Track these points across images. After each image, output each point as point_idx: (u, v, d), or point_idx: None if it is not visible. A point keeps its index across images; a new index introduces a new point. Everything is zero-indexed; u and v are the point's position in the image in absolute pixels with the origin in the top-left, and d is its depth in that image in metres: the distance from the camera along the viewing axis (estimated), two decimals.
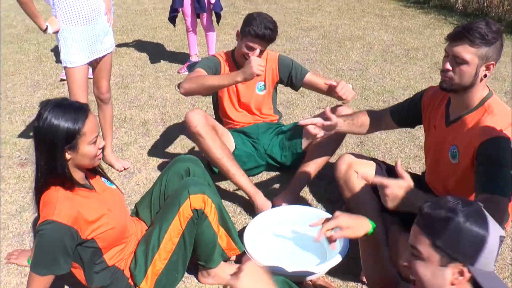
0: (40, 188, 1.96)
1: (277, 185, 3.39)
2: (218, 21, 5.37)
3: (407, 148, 3.77)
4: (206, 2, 5.11)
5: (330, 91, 3.12)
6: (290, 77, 3.31)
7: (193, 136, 2.98)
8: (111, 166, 3.59)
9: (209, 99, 4.16)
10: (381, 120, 2.71)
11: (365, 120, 2.71)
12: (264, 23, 3.02)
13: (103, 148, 2.10)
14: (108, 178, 2.26)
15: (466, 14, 7.82)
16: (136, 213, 2.53)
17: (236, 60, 3.22)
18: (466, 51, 2.06)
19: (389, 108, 2.70)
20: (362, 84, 4.91)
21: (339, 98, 3.04)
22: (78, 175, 2.02)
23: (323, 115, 2.66)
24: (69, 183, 1.96)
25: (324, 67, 5.34)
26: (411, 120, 2.65)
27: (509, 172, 2.00)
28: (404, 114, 2.64)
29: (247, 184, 3.01)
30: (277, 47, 5.95)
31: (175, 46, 6.30)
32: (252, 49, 3.05)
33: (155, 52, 6.00)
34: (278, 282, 1.68)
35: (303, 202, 3.15)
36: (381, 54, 5.73)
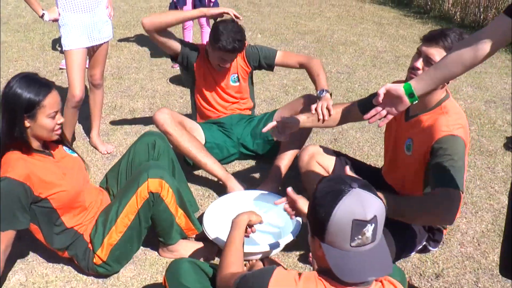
0: (1, 152, 2.18)
1: (252, 173, 3.58)
2: (215, 19, 5.56)
3: (378, 147, 3.93)
4: (207, 1, 5.31)
5: (302, 68, 3.45)
6: (260, 63, 3.51)
7: (163, 134, 3.16)
8: (96, 148, 3.82)
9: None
10: (350, 112, 2.79)
11: (334, 113, 2.75)
12: (232, 37, 3.18)
13: (61, 125, 2.30)
14: (70, 148, 2.48)
15: (463, 25, 7.95)
16: (106, 182, 2.74)
17: (210, 61, 3.43)
18: (440, 55, 2.20)
19: (357, 101, 2.81)
20: (347, 87, 5.09)
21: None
22: (36, 144, 2.25)
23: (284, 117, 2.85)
24: (26, 148, 2.19)
25: None
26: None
27: (461, 166, 2.17)
28: (369, 106, 2.77)
29: (218, 170, 3.20)
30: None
31: None
32: (224, 61, 3.28)
33: (154, 47, 6.21)
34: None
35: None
36: (371, 59, 5.90)
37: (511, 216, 1.83)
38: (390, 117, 1.95)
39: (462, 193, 2.11)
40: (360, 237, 1.39)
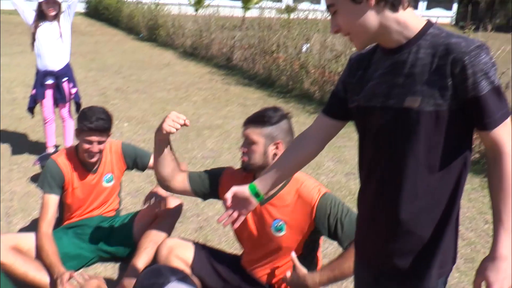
0: None
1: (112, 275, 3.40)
2: (77, 110, 5.43)
3: None
4: (66, 93, 5.18)
5: None
6: (136, 163, 3.45)
7: None
8: None
9: None
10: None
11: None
12: (96, 115, 3.14)
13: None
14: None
15: (322, 103, 8.51)
16: None
17: (80, 157, 3.29)
18: (254, 132, 2.39)
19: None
20: None
21: None
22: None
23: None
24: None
25: (179, 156, 5.48)
26: (210, 192, 2.70)
27: (353, 214, 2.34)
28: (205, 184, 2.68)
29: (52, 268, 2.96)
30: (137, 136, 6.10)
31: (37, 137, 6.22)
32: (90, 142, 3.17)
33: (16, 143, 5.89)
34: None
35: None
36: (236, 141, 6.03)
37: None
38: (243, 217, 1.97)
39: None
40: None
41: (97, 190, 3.38)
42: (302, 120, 7.38)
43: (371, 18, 1.50)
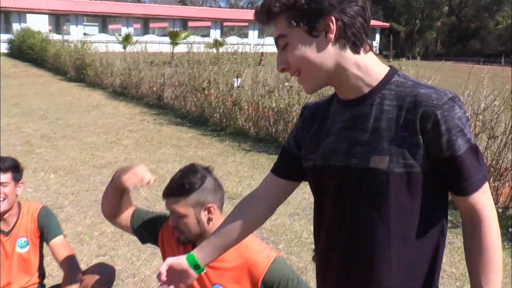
0: None
1: None
2: None
3: None
4: None
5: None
6: (42, 233, 3.16)
7: None
8: None
9: None
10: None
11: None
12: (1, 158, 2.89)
13: None
14: None
15: (258, 139, 8.48)
16: None
17: None
18: (179, 205, 2.09)
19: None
20: None
21: None
22: None
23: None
24: None
25: None
26: (149, 238, 2.49)
27: (301, 281, 2.17)
28: (147, 227, 2.46)
29: None
30: (65, 188, 5.78)
31: None
32: None
33: None
34: None
35: None
36: None
37: None
38: None
39: None
40: None
41: (12, 256, 3.08)
42: (239, 159, 7.29)
43: (328, 56, 1.30)
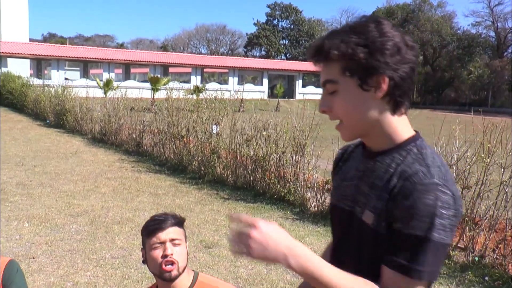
0: None
1: None
2: None
3: None
4: None
5: None
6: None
7: None
8: None
9: None
10: None
11: None
12: None
13: None
14: None
15: (236, 187, 8.48)
16: None
17: None
18: (178, 232, 2.11)
19: None
20: (122, 273, 4.83)
21: None
22: None
23: None
24: None
25: (85, 258, 5.18)
26: None
27: None
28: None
29: None
30: (39, 238, 5.68)
31: None
32: None
33: None
34: None
35: None
36: None
37: None
38: None
39: None
40: None
41: None
42: (216, 207, 7.27)
43: (372, 111, 1.31)
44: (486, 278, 4.87)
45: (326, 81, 1.34)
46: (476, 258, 5.26)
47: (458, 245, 5.53)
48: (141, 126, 12.17)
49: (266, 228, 1.22)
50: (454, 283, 4.76)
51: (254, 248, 1.21)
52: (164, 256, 2.06)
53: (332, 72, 1.32)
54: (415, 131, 1.40)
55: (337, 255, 1.49)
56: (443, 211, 1.19)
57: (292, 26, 76.48)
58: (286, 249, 1.21)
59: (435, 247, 1.20)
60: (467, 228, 5.42)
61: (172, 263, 2.07)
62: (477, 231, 5.44)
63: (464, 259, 5.35)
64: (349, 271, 1.28)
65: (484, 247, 5.34)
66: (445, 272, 5.00)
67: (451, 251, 5.39)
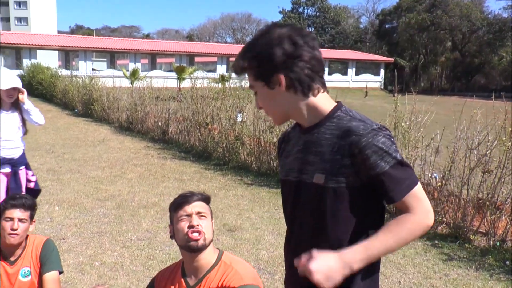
0: None
1: None
2: (36, 196, 5.18)
3: None
4: (23, 181, 4.93)
5: None
6: (43, 265, 3.27)
7: None
8: None
9: None
10: None
11: None
12: (20, 195, 3.19)
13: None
14: None
15: (260, 173, 8.60)
16: None
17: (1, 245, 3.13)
18: (203, 207, 2.21)
19: None
20: (147, 254, 5.01)
21: None
22: None
23: None
24: None
25: (113, 239, 5.38)
26: None
27: None
28: None
29: None
30: (69, 221, 5.90)
31: None
32: (11, 219, 3.05)
33: None
34: None
35: None
36: None
37: None
38: None
39: None
40: None
41: (14, 284, 3.20)
42: (240, 192, 7.41)
43: (284, 101, 1.68)
44: (507, 262, 4.89)
45: (249, 87, 1.75)
46: (498, 243, 5.27)
47: (479, 229, 5.55)
48: (167, 114, 12.36)
49: (316, 265, 1.49)
50: (473, 266, 4.80)
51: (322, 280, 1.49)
52: (191, 226, 2.16)
53: (250, 79, 1.72)
54: (337, 101, 1.74)
55: (291, 222, 1.80)
56: (390, 141, 1.59)
57: (317, 14, 75.82)
58: (342, 263, 1.52)
59: (403, 162, 1.60)
60: (488, 212, 5.42)
61: (198, 232, 2.16)
62: (498, 215, 5.44)
63: (485, 243, 5.37)
64: (307, 234, 1.70)
65: (505, 231, 5.34)
66: (464, 256, 5.04)
67: (471, 236, 5.42)
